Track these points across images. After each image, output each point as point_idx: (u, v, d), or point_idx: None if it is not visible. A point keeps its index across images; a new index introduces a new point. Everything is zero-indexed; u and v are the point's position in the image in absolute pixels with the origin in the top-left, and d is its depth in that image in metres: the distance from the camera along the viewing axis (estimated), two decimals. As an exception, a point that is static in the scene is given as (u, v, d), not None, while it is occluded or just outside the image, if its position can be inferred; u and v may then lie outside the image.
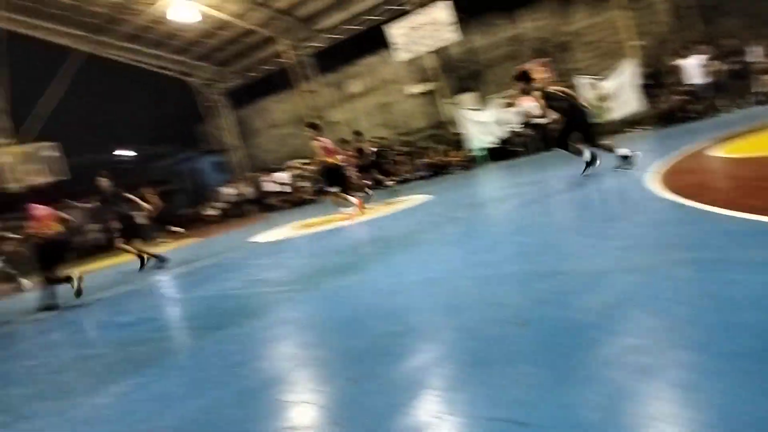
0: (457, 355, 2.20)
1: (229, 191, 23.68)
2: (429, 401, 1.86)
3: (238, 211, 23.17)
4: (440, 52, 17.86)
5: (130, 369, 3.15)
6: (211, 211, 24.32)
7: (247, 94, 25.44)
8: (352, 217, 9.04)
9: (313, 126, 9.43)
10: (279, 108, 24.59)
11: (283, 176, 22.28)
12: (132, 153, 36.77)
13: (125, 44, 21.18)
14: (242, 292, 4.87)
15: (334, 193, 9.56)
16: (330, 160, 9.27)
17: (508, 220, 5.40)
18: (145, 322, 4.57)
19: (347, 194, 9.42)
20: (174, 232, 16.20)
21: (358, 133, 13.41)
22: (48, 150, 19.50)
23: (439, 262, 4.07)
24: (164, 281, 7.12)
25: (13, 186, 18.62)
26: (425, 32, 16.97)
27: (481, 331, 2.37)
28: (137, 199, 8.99)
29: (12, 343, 5.25)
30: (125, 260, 10.73)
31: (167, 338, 3.82)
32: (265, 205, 22.22)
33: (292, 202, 21.56)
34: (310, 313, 3.48)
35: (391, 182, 13.83)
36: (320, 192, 20.32)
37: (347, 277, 4.26)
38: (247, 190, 22.80)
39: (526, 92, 7.46)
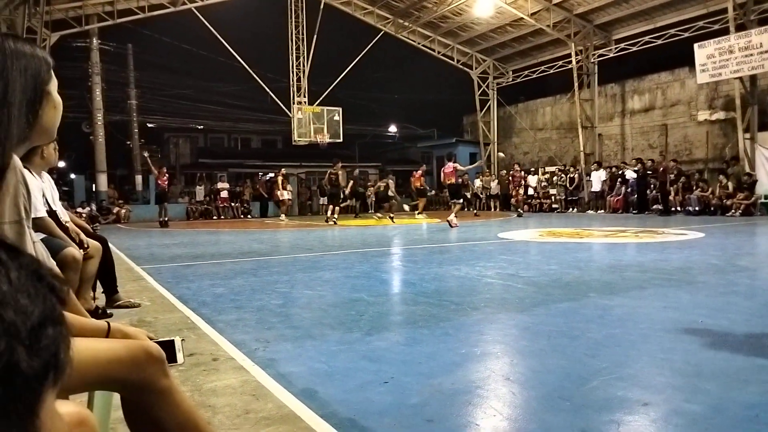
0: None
1: (477, 183, 24.28)
2: None
3: (479, 204, 23.66)
4: (749, 80, 15.55)
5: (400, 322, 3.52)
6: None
7: (517, 93, 25.56)
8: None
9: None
10: (548, 111, 24.19)
11: (533, 180, 22.04)
12: (395, 129, 40.03)
13: (421, 29, 22.91)
14: (496, 282, 5.02)
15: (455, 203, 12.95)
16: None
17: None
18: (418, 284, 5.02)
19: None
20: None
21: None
22: (333, 114, 22.24)
23: (729, 310, 3.65)
24: (421, 253, 7.68)
25: (300, 140, 21.75)
26: (738, 56, 14.92)
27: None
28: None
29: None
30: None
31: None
32: (506, 204, 22.34)
33: (535, 206, 21.24)
34: (570, 324, 3.44)
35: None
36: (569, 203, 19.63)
37: (612, 298, 4.09)
38: (493, 186, 23.07)
39: None
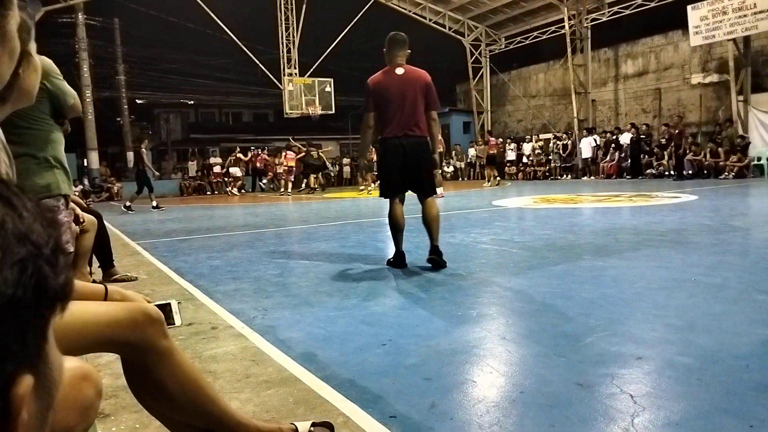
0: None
1: (471, 152, 24.21)
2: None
3: (473, 173, 23.67)
4: (742, 42, 15.42)
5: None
6: (447, 168, 25.27)
7: (510, 60, 25.25)
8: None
9: None
10: (541, 78, 23.99)
11: (527, 148, 21.96)
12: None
13: (411, -4, 22.48)
14: (491, 247, 5.04)
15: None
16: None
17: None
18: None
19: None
20: None
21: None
22: (324, 85, 21.94)
23: (721, 269, 3.69)
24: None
25: (292, 113, 21.50)
26: (731, 17, 14.77)
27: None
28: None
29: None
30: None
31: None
32: (500, 172, 22.32)
33: (529, 174, 21.24)
34: (564, 286, 3.47)
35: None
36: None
37: (606, 260, 4.13)
38: (487, 154, 22.99)
39: None
